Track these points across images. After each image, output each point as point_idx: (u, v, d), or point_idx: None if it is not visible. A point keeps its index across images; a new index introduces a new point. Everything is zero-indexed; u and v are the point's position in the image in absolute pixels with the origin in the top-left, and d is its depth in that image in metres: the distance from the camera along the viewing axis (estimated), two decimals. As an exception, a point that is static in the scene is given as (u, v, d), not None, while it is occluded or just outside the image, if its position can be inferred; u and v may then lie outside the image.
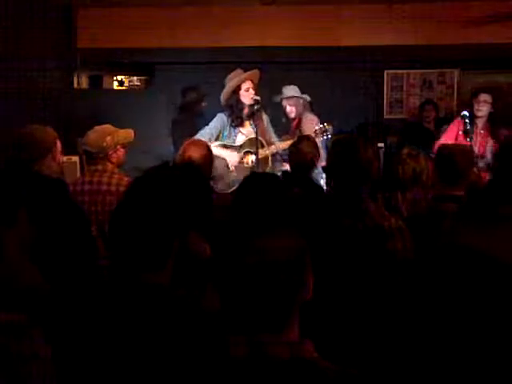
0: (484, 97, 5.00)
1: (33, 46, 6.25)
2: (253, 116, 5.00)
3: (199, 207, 2.22)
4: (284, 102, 5.61)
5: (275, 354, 1.42)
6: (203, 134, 4.96)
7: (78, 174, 5.50)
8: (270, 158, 4.99)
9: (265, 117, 5.16)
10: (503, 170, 2.00)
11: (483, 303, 1.70)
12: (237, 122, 5.02)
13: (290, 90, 5.58)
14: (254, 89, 5.01)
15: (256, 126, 4.97)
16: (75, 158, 5.56)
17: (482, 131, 5.03)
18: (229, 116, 5.03)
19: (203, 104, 6.18)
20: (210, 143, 4.42)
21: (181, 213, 1.80)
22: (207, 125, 5.08)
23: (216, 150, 4.77)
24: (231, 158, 5.03)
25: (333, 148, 2.76)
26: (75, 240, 2.66)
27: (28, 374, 1.11)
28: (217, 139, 5.05)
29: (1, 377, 1.09)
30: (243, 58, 6.70)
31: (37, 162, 2.91)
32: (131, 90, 8.57)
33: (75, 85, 7.55)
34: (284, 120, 5.70)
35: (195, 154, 3.66)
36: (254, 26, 6.99)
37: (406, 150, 3.44)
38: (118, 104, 7.15)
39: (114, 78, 8.74)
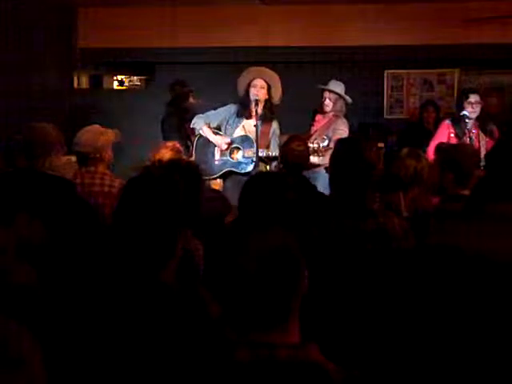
0: (475, 97, 5.02)
1: (33, 46, 6.25)
2: (262, 116, 4.89)
3: (193, 205, 2.22)
4: (326, 94, 5.35)
5: (279, 357, 1.39)
6: (208, 115, 5.09)
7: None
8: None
9: (275, 125, 5.01)
10: (494, 169, 2.01)
11: (472, 302, 1.69)
12: (242, 112, 4.96)
13: (337, 86, 5.37)
14: (266, 88, 4.88)
15: (261, 126, 4.86)
16: (75, 158, 5.54)
17: (473, 131, 4.99)
18: (238, 106, 5.01)
19: (191, 100, 6.08)
20: (206, 126, 5.00)
21: (179, 212, 1.80)
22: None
23: (209, 133, 5.02)
24: (219, 145, 5.00)
25: (337, 148, 2.74)
26: (88, 237, 2.65)
27: (15, 381, 1.08)
28: (219, 128, 5.06)
29: None
30: (243, 58, 6.70)
31: (41, 159, 2.89)
32: (131, 89, 8.57)
33: (75, 85, 7.55)
34: None
35: (166, 156, 3.59)
36: (254, 26, 6.98)
37: (406, 150, 3.44)
38: (118, 104, 7.16)
39: (114, 78, 8.74)
